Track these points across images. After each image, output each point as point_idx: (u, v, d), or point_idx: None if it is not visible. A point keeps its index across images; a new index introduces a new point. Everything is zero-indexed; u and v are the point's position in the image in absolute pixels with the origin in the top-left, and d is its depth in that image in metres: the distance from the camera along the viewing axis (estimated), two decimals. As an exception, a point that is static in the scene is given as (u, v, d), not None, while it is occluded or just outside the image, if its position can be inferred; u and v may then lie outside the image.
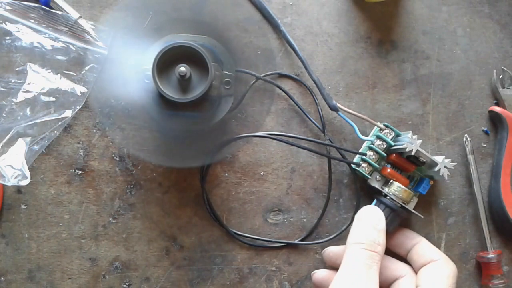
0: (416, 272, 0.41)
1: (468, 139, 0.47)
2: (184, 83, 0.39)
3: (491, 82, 0.49)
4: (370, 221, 0.40)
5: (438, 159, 0.43)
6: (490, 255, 0.45)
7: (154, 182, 0.46)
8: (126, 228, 0.45)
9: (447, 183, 0.48)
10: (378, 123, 0.45)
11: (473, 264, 0.47)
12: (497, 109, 0.48)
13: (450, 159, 0.43)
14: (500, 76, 0.48)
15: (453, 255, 0.47)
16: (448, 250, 0.47)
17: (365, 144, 0.45)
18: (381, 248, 0.39)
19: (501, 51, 0.49)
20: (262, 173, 0.46)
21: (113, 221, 0.45)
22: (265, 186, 0.46)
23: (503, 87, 0.48)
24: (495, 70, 0.48)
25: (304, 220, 0.46)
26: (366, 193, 0.47)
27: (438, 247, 0.47)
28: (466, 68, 0.49)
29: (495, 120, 0.48)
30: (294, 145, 0.44)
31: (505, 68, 0.48)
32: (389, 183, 0.44)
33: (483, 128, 0.48)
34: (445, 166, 0.43)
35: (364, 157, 0.44)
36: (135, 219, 0.45)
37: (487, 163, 0.48)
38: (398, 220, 0.43)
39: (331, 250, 0.44)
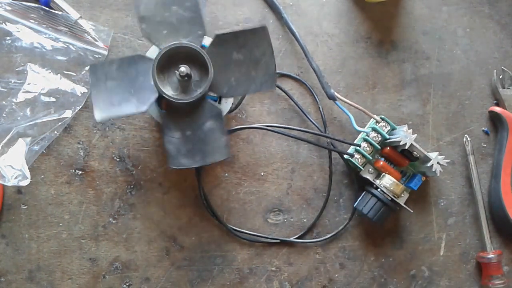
0: None
1: (468, 139, 0.47)
2: (184, 83, 0.39)
3: (491, 82, 0.49)
4: None
5: (432, 155, 0.43)
6: (490, 255, 0.45)
7: (154, 182, 0.46)
8: (126, 228, 0.45)
9: (447, 183, 0.48)
10: (375, 116, 0.45)
11: (473, 264, 0.47)
12: (497, 109, 0.48)
13: (443, 156, 0.43)
14: (500, 76, 0.48)
15: (453, 255, 0.47)
16: (448, 250, 0.47)
17: (360, 135, 0.45)
18: None
19: (501, 51, 0.49)
20: (262, 173, 0.46)
21: (113, 221, 0.45)
22: (265, 186, 0.46)
23: (503, 87, 0.48)
24: (495, 70, 0.48)
25: (304, 220, 0.46)
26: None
27: (438, 247, 0.47)
28: (466, 68, 0.49)
29: (495, 120, 0.48)
30: (288, 135, 0.44)
31: (505, 68, 0.48)
32: (381, 176, 0.44)
33: (483, 128, 0.48)
34: (438, 162, 0.43)
35: (358, 148, 0.44)
36: (135, 219, 0.45)
37: (487, 163, 0.48)
38: (387, 213, 0.43)
39: None
